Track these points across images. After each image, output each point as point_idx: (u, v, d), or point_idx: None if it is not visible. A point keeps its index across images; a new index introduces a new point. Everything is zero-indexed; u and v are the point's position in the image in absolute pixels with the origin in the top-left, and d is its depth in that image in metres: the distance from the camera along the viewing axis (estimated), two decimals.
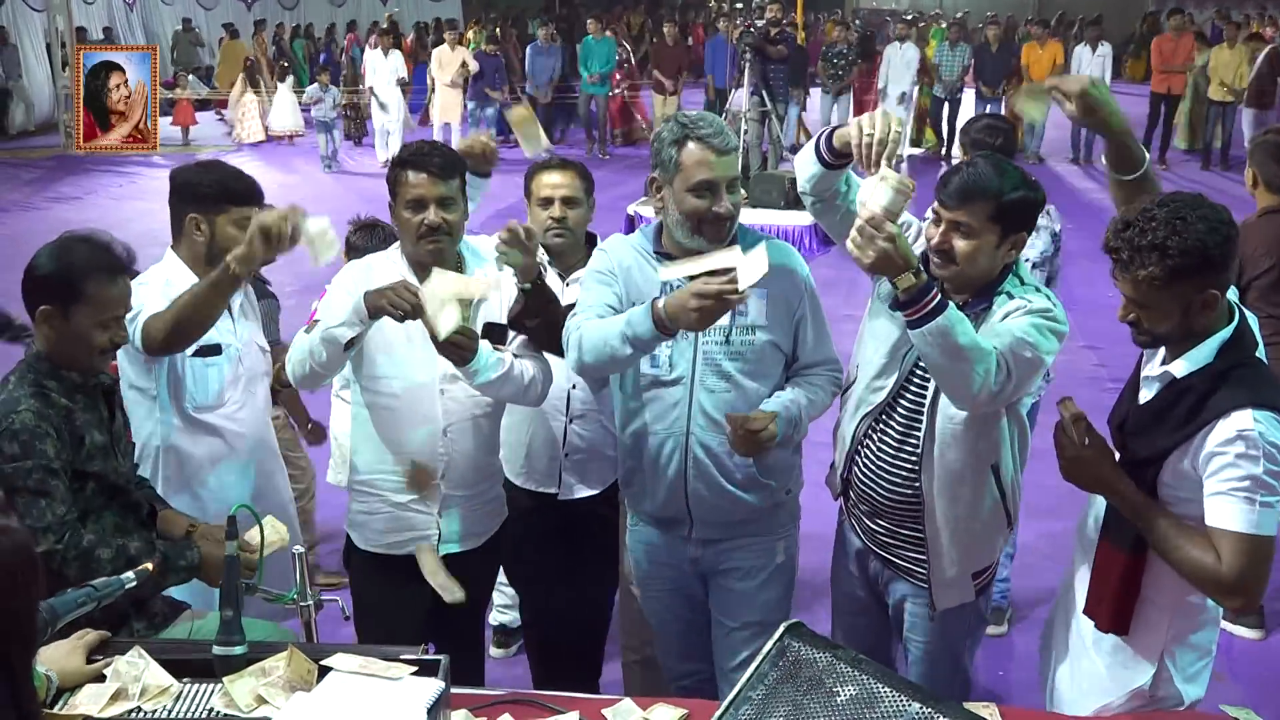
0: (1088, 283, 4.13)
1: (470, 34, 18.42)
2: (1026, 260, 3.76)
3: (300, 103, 15.76)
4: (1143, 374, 2.35)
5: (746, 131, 10.57)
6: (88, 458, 2.51)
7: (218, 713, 2.09)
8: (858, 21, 22.06)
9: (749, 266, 2.35)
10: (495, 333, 2.83)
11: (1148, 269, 2.11)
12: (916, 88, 14.34)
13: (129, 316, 2.65)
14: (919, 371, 2.56)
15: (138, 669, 2.15)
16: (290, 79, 16.29)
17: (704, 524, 2.77)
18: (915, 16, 22.86)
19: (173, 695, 2.13)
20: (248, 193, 3.04)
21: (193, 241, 3.05)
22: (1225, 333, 2.19)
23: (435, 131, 13.87)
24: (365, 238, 4.04)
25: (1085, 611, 2.37)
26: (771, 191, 9.18)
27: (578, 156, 3.47)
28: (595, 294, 2.70)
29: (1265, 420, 2.08)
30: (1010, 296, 2.50)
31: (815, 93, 14.82)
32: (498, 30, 19.33)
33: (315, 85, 14.46)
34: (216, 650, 2.16)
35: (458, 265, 2.89)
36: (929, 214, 2.56)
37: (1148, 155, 2.54)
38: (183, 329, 2.84)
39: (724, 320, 2.49)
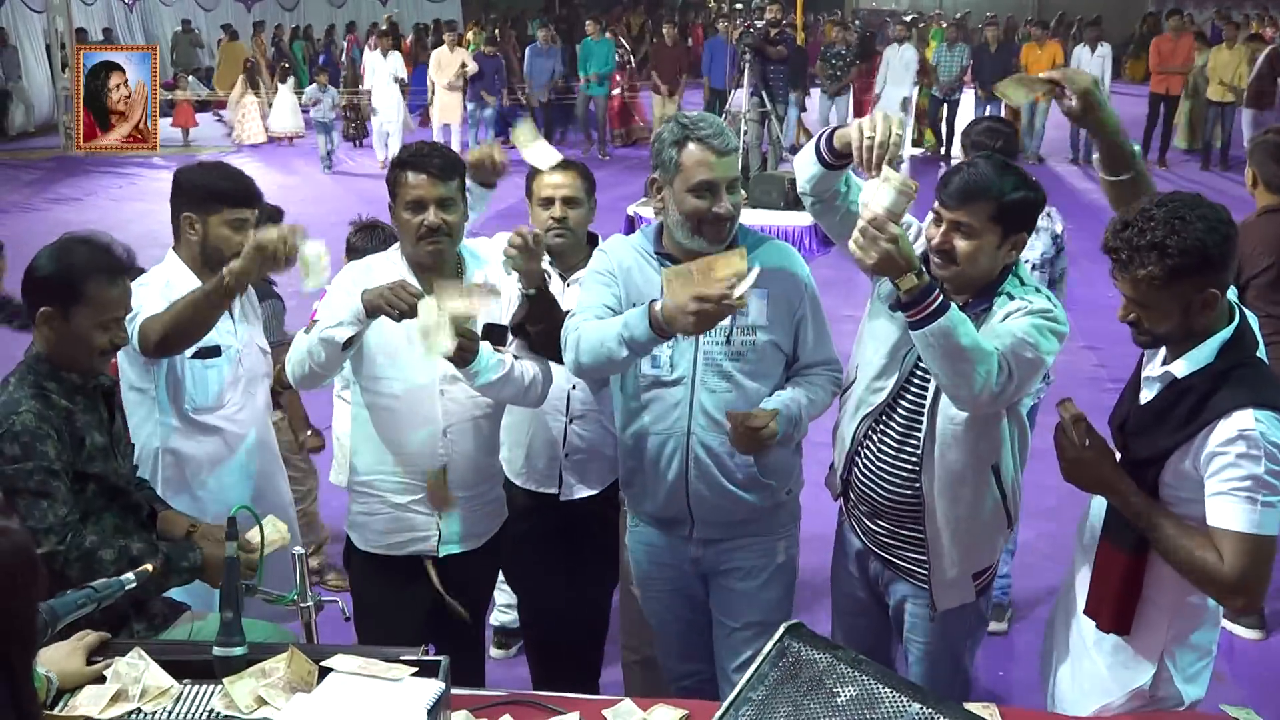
0: (1088, 283, 4.13)
1: (470, 35, 18.42)
2: (1026, 262, 3.77)
3: (300, 104, 15.76)
4: (1143, 374, 2.34)
5: (746, 132, 10.57)
6: (88, 459, 2.51)
7: (218, 714, 2.09)
8: (857, 22, 22.07)
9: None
10: (495, 334, 2.83)
11: (1147, 268, 2.11)
12: (917, 89, 14.34)
13: (128, 317, 2.64)
14: (919, 372, 2.56)
15: (138, 670, 2.15)
16: (291, 80, 16.28)
17: (705, 524, 2.77)
18: (915, 17, 22.84)
19: (173, 696, 2.13)
20: (241, 194, 3.03)
21: (189, 241, 3.05)
22: (1226, 333, 2.19)
23: (435, 133, 13.88)
24: (365, 239, 4.03)
25: (1086, 612, 2.37)
26: (771, 192, 9.18)
27: (575, 158, 3.48)
28: (594, 295, 2.70)
29: (1266, 420, 2.08)
30: (1010, 297, 2.50)
31: (815, 93, 14.83)
32: (496, 32, 19.33)
33: (314, 86, 14.46)
34: (217, 651, 2.16)
35: (457, 267, 2.89)
36: (930, 215, 2.56)
37: (1138, 152, 2.54)
38: (177, 334, 2.84)
39: (725, 320, 2.49)
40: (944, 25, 19.32)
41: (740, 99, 11.18)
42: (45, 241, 2.57)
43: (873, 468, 2.65)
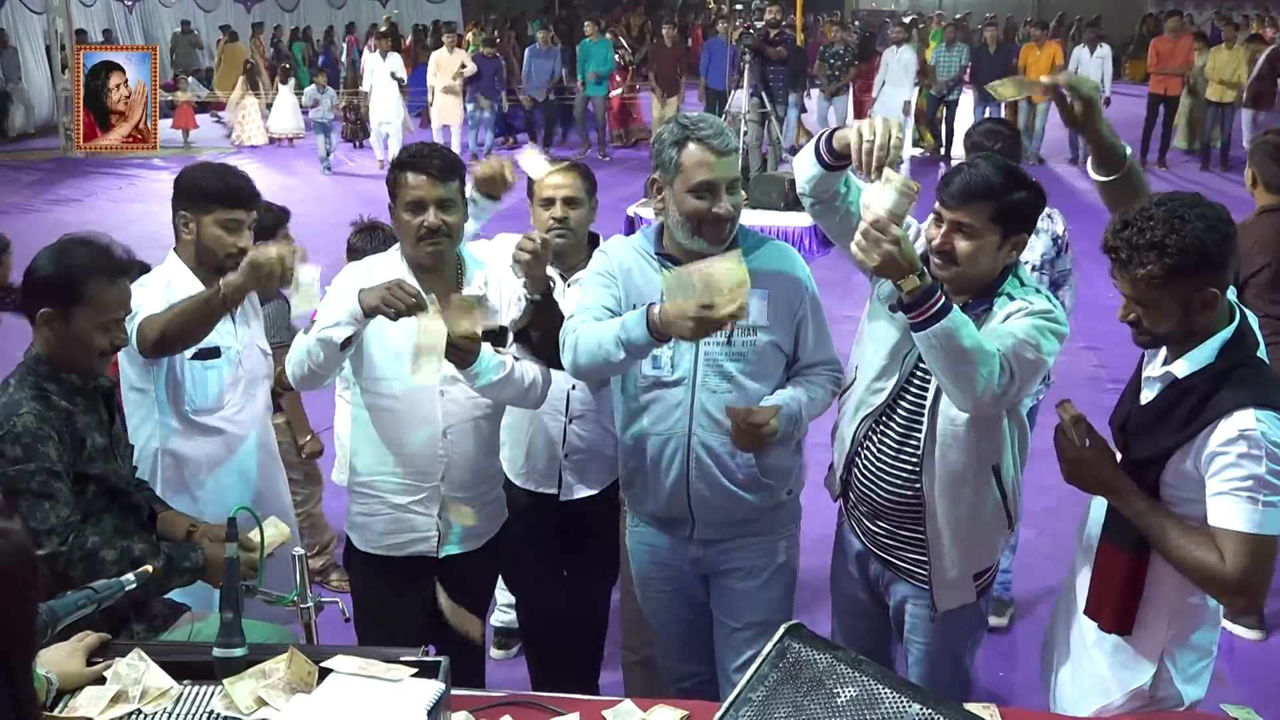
0: (1088, 283, 4.13)
1: (469, 36, 18.42)
2: (1026, 263, 3.77)
3: (300, 105, 15.77)
4: (1144, 375, 2.35)
5: (746, 133, 10.57)
6: (89, 460, 2.51)
7: (218, 715, 2.09)
8: (857, 23, 22.07)
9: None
10: (495, 335, 2.83)
11: (1146, 267, 2.11)
12: (916, 90, 14.34)
13: (127, 317, 2.64)
14: (919, 373, 2.56)
15: (138, 671, 2.15)
16: (292, 81, 16.27)
17: (706, 524, 2.77)
18: (915, 18, 22.86)
19: (173, 697, 2.13)
20: (234, 194, 3.03)
21: (185, 241, 3.06)
22: (1226, 333, 2.19)
23: (434, 134, 13.87)
24: (365, 240, 4.04)
25: (1086, 612, 2.37)
26: (771, 193, 9.19)
27: (574, 158, 3.50)
28: (593, 295, 2.70)
29: (1267, 420, 2.08)
30: (1011, 298, 2.50)
31: (815, 94, 14.83)
32: (496, 33, 19.32)
33: (312, 87, 14.47)
34: (217, 652, 2.16)
35: (457, 268, 2.89)
36: (930, 216, 2.56)
37: (1129, 151, 2.56)
38: (174, 336, 2.85)
39: None
40: (944, 26, 19.32)
41: (740, 100, 11.18)
42: (45, 242, 2.57)
43: (873, 468, 2.65)
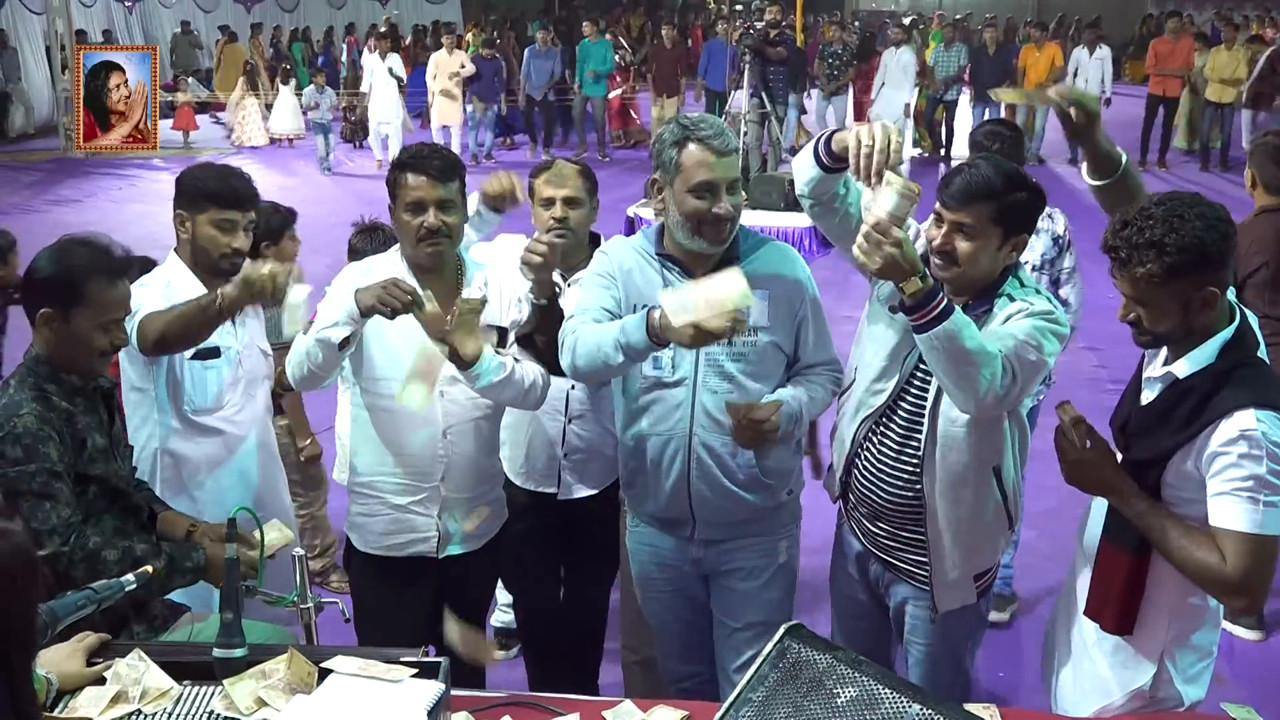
0: (1088, 283, 4.13)
1: (469, 37, 18.42)
2: (1026, 263, 3.78)
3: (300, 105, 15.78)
4: (1144, 375, 2.35)
5: (746, 133, 10.57)
6: (89, 460, 2.51)
7: (218, 715, 2.09)
8: (857, 24, 22.07)
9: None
10: (496, 336, 2.83)
11: (1145, 266, 2.11)
12: (916, 91, 14.34)
13: (128, 316, 2.64)
14: (919, 374, 2.56)
15: (138, 672, 2.15)
16: (293, 82, 16.27)
17: (706, 524, 2.77)
18: (915, 19, 22.86)
19: (173, 698, 2.13)
20: (228, 194, 3.02)
21: (183, 240, 3.06)
22: (1227, 333, 2.19)
23: (434, 135, 13.88)
24: (366, 240, 4.04)
25: (1087, 613, 2.37)
26: (771, 193, 9.18)
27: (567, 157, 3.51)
28: (593, 296, 2.70)
29: (1268, 420, 2.08)
30: (1011, 299, 2.50)
31: (815, 94, 14.84)
32: (495, 34, 19.31)
33: (311, 87, 14.47)
34: (217, 653, 2.16)
35: (456, 269, 2.89)
36: (930, 217, 2.56)
37: (1125, 157, 2.57)
38: (173, 339, 2.85)
39: None
40: (943, 27, 19.32)
41: (740, 100, 11.18)
42: (45, 243, 2.57)
43: (873, 470, 2.65)
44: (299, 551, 2.47)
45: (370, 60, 14.32)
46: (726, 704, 1.98)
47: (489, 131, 14.80)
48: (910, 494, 2.60)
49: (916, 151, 14.92)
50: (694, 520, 2.77)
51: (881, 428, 2.63)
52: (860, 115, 14.63)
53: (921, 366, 2.54)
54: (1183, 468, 2.19)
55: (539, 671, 3.54)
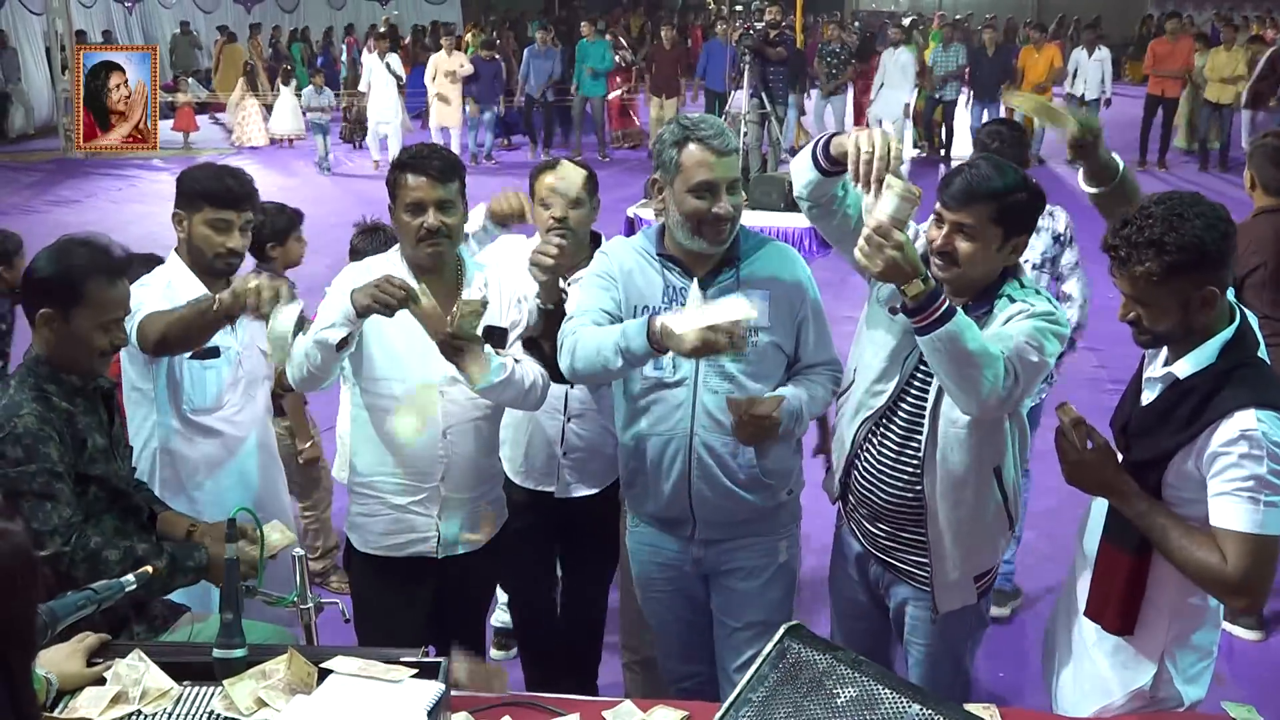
0: (1088, 284, 4.15)
1: (468, 37, 18.41)
2: (1026, 261, 3.78)
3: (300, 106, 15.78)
4: (1145, 376, 2.35)
5: (746, 134, 10.57)
6: (90, 461, 2.50)
7: (218, 715, 2.09)
8: (856, 24, 22.06)
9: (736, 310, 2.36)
10: (495, 336, 2.83)
11: (1145, 265, 2.12)
12: (916, 92, 14.33)
13: (128, 316, 2.64)
14: (919, 375, 2.56)
15: (138, 672, 2.15)
16: (294, 82, 16.27)
17: (707, 524, 2.77)
18: (915, 19, 22.86)
19: (173, 698, 2.13)
20: (223, 194, 3.02)
21: (181, 240, 3.07)
22: (1227, 333, 2.19)
23: (433, 136, 13.87)
24: (367, 240, 4.05)
25: (1088, 613, 2.37)
26: (771, 194, 9.18)
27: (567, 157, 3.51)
28: (593, 298, 2.70)
29: (1269, 420, 2.08)
30: (1011, 300, 2.50)
31: (814, 94, 14.83)
32: (495, 35, 19.31)
33: (310, 88, 14.46)
34: (216, 653, 2.16)
35: (456, 269, 2.89)
36: (930, 217, 2.56)
37: (1123, 165, 2.58)
38: (174, 340, 2.85)
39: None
40: (941, 27, 19.32)
41: (740, 100, 11.18)
42: (45, 243, 2.57)
43: (873, 471, 2.65)
44: (299, 552, 2.47)
45: (369, 60, 14.32)
46: (726, 704, 1.98)
47: (489, 132, 14.79)
48: (910, 495, 2.60)
49: (916, 152, 14.92)
50: (694, 520, 2.77)
51: (881, 429, 2.63)
52: (859, 115, 14.64)
53: (922, 367, 2.54)
54: (1183, 468, 2.19)
55: (535, 671, 3.54)
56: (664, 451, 2.71)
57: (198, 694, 2.14)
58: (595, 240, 3.26)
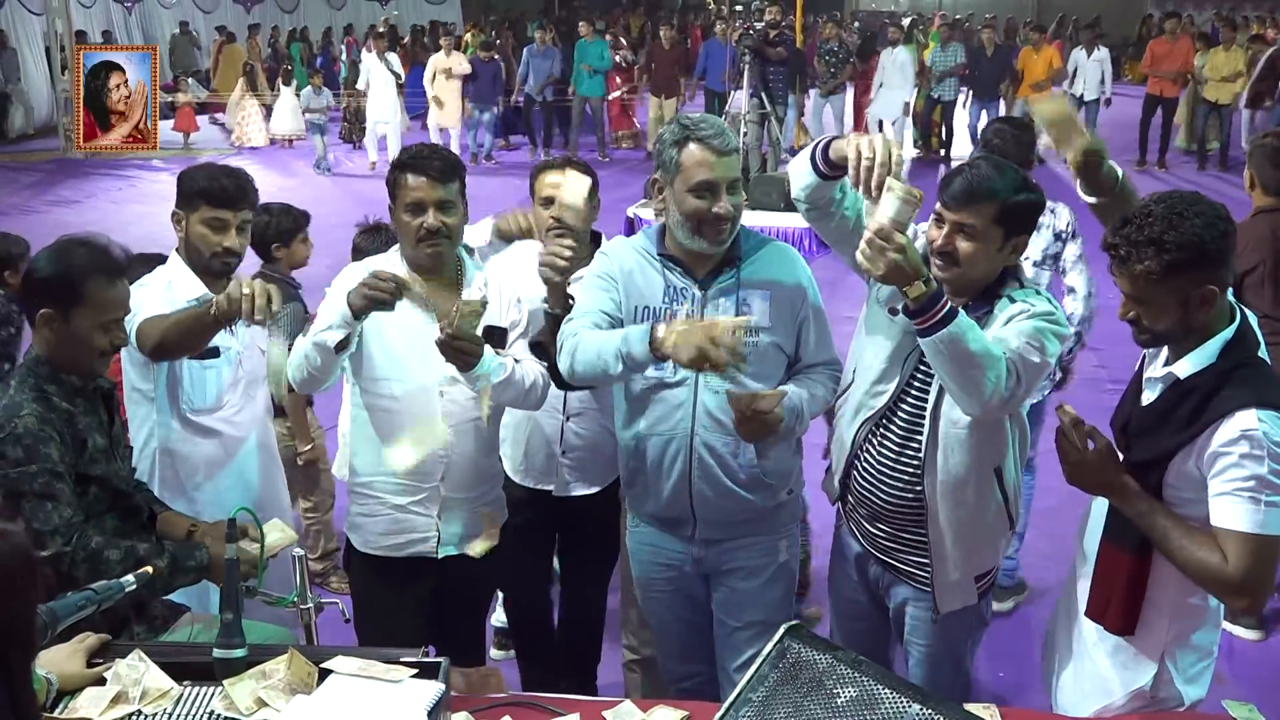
0: (1092, 277, 4.15)
1: (467, 37, 18.41)
2: (1027, 259, 3.79)
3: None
4: (1145, 376, 2.35)
5: (745, 134, 10.57)
6: (90, 461, 2.50)
7: (218, 715, 2.09)
8: (856, 24, 22.05)
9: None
10: (495, 336, 2.83)
11: (1144, 263, 2.12)
12: (915, 91, 14.33)
13: (128, 318, 2.64)
14: (919, 376, 2.56)
15: (138, 672, 2.15)
16: (295, 83, 16.27)
17: (707, 524, 2.77)
18: (915, 19, 22.86)
19: (173, 698, 2.13)
20: (219, 193, 3.02)
21: (180, 239, 3.07)
22: (1228, 333, 2.19)
23: (432, 135, 13.87)
24: (370, 240, 4.06)
25: (1088, 614, 2.37)
26: (771, 194, 9.17)
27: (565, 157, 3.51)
28: (593, 299, 2.70)
29: (1269, 420, 2.08)
30: (1012, 300, 2.50)
31: (813, 94, 14.83)
32: (494, 35, 19.31)
33: (309, 89, 14.44)
34: (217, 653, 2.16)
35: (456, 269, 2.89)
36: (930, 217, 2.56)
37: (1121, 174, 2.59)
38: (172, 345, 2.86)
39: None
40: (939, 27, 19.31)
41: (740, 100, 11.18)
42: (45, 244, 2.57)
43: (873, 471, 2.65)
44: (299, 552, 2.47)
45: (368, 59, 14.32)
46: (726, 704, 1.98)
47: (488, 133, 14.79)
48: (911, 495, 2.60)
49: (915, 152, 14.92)
50: (695, 520, 2.77)
51: (882, 429, 2.63)
52: (858, 115, 14.64)
53: (922, 368, 2.54)
54: (1184, 468, 2.19)
55: (531, 670, 3.54)
56: (665, 451, 2.71)
57: (198, 694, 2.14)
58: (595, 240, 3.26)
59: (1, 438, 2.38)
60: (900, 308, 2.41)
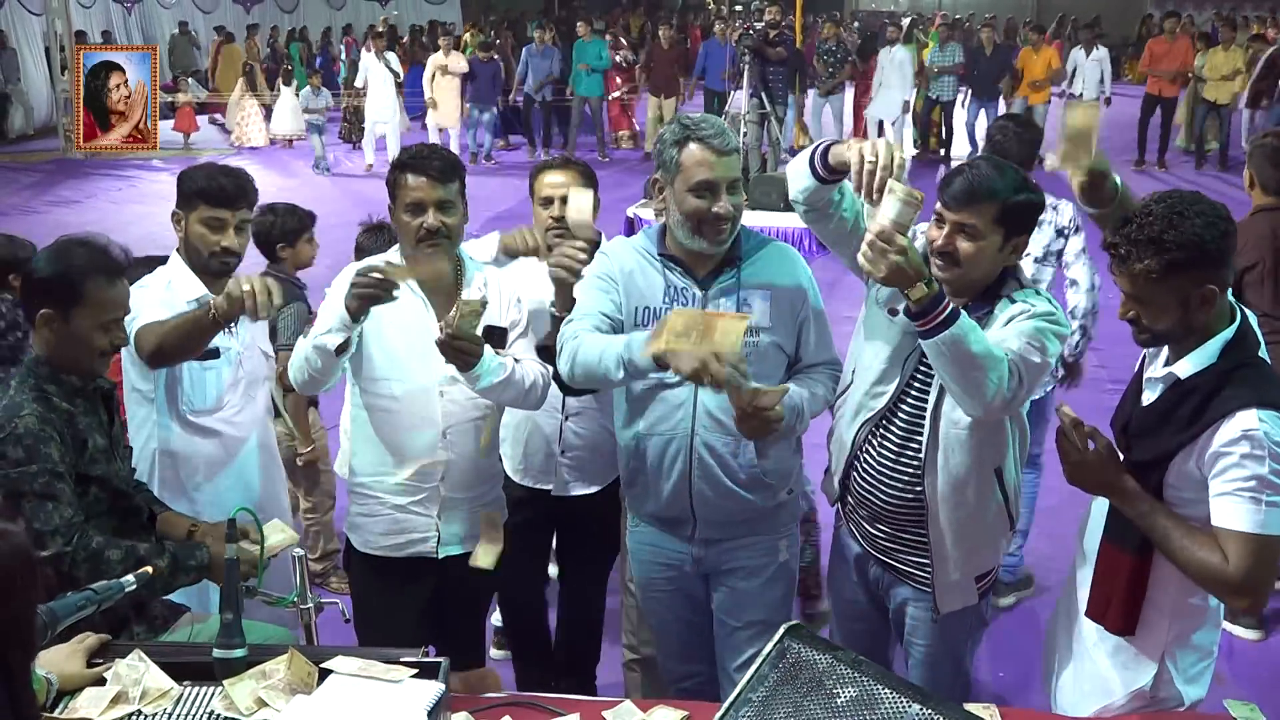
0: (1095, 270, 4.16)
1: (467, 37, 18.40)
2: (1028, 255, 3.79)
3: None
4: (1145, 376, 2.35)
5: (745, 134, 10.57)
6: (90, 461, 2.50)
7: (218, 715, 2.09)
8: (856, 24, 22.04)
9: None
10: (495, 336, 2.83)
11: (1144, 262, 2.12)
12: (915, 91, 14.33)
13: (127, 319, 2.64)
14: (919, 376, 2.56)
15: (138, 672, 2.15)
16: (295, 83, 16.26)
17: (707, 524, 2.77)
18: (915, 19, 22.85)
19: (173, 698, 2.13)
20: (217, 193, 3.02)
21: (180, 238, 3.07)
22: (1228, 333, 2.19)
23: (432, 135, 13.86)
24: (373, 239, 4.07)
25: (1088, 614, 2.37)
26: (771, 194, 9.17)
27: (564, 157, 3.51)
28: (593, 301, 2.70)
29: (1270, 420, 2.08)
30: (1012, 300, 2.50)
31: (811, 94, 14.83)
32: (493, 35, 19.30)
33: (308, 89, 14.44)
34: (216, 653, 2.16)
35: (456, 269, 2.90)
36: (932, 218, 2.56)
37: (1120, 183, 2.59)
38: (170, 350, 2.85)
39: None
40: (937, 27, 19.31)
41: (739, 100, 11.19)
42: (45, 244, 2.56)
43: (873, 472, 2.65)
44: (299, 552, 2.47)
45: (367, 59, 14.32)
46: (726, 704, 1.98)
47: (488, 132, 14.78)
48: (911, 496, 2.60)
49: (914, 151, 14.92)
50: (695, 520, 2.77)
51: (881, 430, 2.63)
52: (857, 115, 14.64)
53: (922, 369, 2.53)
54: (1184, 468, 2.19)
55: (526, 668, 3.53)
56: (665, 451, 2.71)
57: (198, 694, 2.14)
58: (596, 240, 3.26)
59: (2, 438, 2.38)
60: (901, 309, 2.41)
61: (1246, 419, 2.09)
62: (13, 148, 16.37)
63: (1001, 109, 13.52)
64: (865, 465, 2.66)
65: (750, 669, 2.02)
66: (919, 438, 2.56)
